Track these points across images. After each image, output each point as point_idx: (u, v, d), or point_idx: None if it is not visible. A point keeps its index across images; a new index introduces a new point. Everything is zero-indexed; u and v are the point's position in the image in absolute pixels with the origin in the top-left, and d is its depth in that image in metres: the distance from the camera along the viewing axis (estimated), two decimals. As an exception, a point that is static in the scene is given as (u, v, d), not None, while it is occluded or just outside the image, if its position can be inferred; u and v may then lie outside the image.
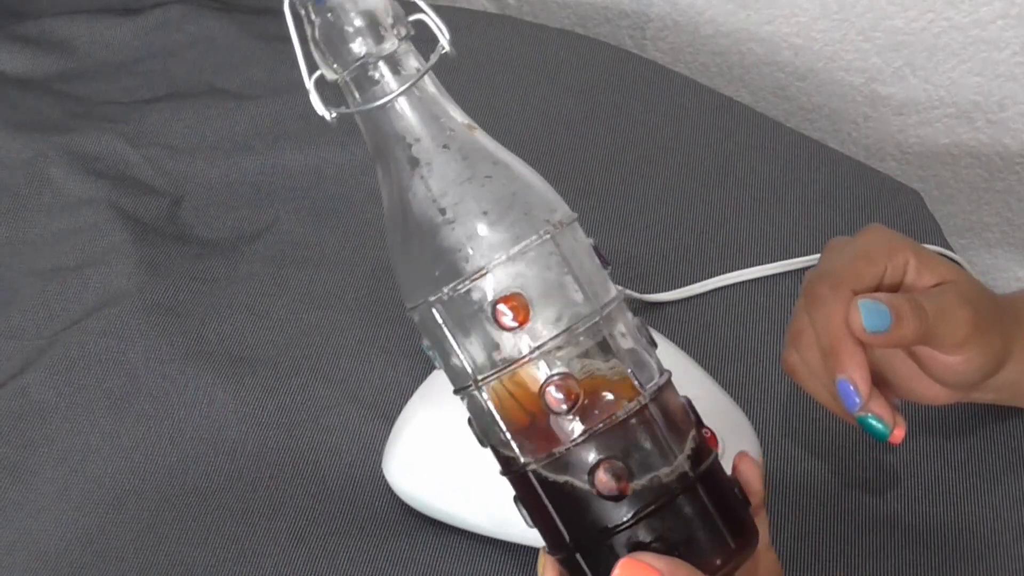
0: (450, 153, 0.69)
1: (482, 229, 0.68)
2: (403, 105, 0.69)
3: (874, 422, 0.81)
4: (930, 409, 0.96)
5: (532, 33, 1.37)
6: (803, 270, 1.08)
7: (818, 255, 0.86)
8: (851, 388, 0.80)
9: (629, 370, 0.69)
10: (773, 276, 1.11)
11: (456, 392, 0.70)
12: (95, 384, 1.07)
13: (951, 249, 1.12)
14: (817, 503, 0.95)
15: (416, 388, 0.98)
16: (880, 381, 0.84)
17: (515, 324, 0.67)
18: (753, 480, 0.72)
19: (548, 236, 0.69)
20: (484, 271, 0.68)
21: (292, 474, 1.00)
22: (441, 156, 0.69)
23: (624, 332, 0.70)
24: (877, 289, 0.83)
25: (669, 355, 0.95)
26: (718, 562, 0.69)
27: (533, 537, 0.92)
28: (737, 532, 0.70)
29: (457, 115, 0.71)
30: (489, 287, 0.68)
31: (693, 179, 1.20)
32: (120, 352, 1.08)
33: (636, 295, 1.08)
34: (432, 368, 0.98)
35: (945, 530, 0.93)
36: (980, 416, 0.98)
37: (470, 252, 0.68)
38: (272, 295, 1.13)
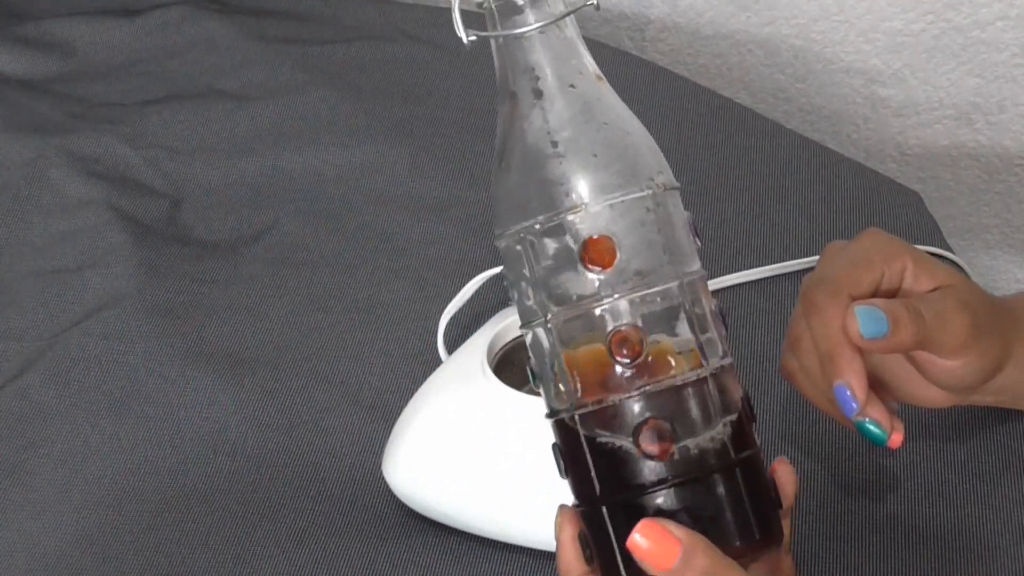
0: (574, 93, 0.71)
1: (588, 169, 0.70)
2: (540, 40, 0.72)
3: (872, 427, 0.81)
4: (929, 411, 0.96)
5: (532, 35, 1.37)
6: (803, 272, 1.08)
7: (818, 257, 0.86)
8: (848, 394, 0.80)
9: (696, 340, 0.70)
10: (773, 278, 1.11)
11: (523, 327, 0.71)
12: (95, 386, 1.07)
13: (950, 250, 1.12)
14: (816, 505, 0.95)
15: (416, 390, 0.98)
16: (879, 385, 0.84)
17: (599, 266, 0.69)
18: (788, 485, 0.72)
19: (649, 192, 0.70)
20: (580, 209, 0.69)
21: (292, 476, 1.00)
22: (565, 94, 0.71)
23: (700, 305, 0.71)
24: (874, 294, 0.83)
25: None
26: (740, 549, 0.69)
27: (533, 539, 0.92)
28: (764, 526, 0.70)
29: (588, 63, 0.72)
30: (581, 225, 0.69)
31: (692, 181, 1.20)
32: (120, 354, 1.08)
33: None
34: (432, 370, 0.98)
35: (944, 532, 0.93)
36: (979, 418, 0.98)
37: (571, 188, 0.69)
38: (272, 297, 1.13)
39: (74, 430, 1.04)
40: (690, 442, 0.69)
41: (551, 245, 0.70)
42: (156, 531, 0.97)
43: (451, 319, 1.06)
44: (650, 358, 0.69)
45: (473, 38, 0.73)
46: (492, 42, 0.73)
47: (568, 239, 0.69)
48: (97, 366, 1.08)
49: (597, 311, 0.69)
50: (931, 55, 1.43)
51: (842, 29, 1.44)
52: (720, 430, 0.69)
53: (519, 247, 0.70)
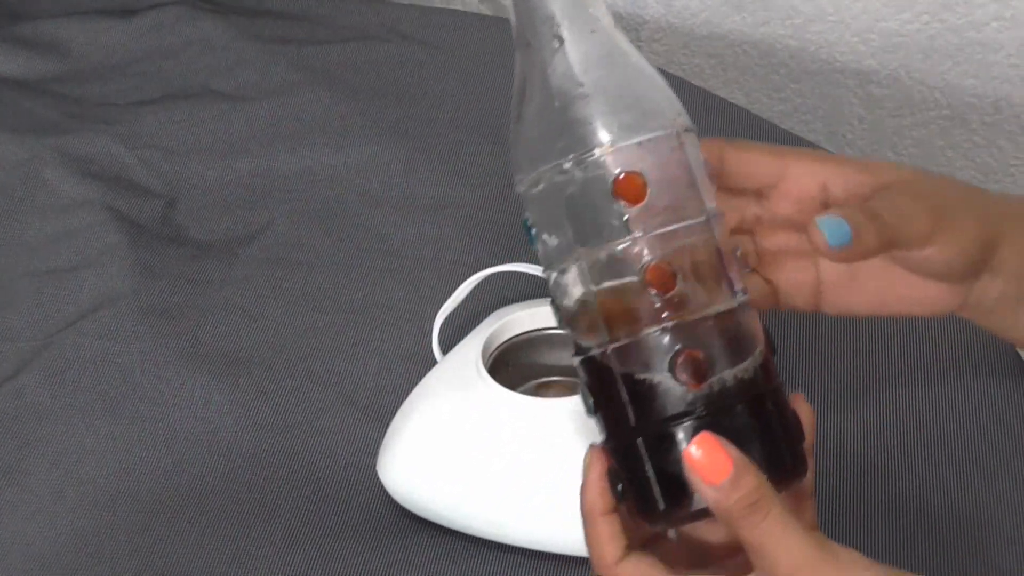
0: (596, 38, 0.72)
1: (616, 109, 0.71)
2: None
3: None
4: (928, 403, 0.96)
5: (527, 35, 1.37)
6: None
7: None
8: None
9: (724, 273, 0.71)
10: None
11: (547, 269, 0.72)
12: (90, 386, 1.07)
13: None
14: (820, 494, 0.95)
15: (411, 390, 0.98)
16: (879, 304, 0.84)
17: (630, 202, 0.70)
18: (807, 420, 0.73)
19: (673, 132, 0.71)
20: (610, 146, 0.70)
21: (287, 476, 1.00)
22: (587, 38, 0.72)
23: (723, 242, 0.72)
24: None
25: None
26: (772, 475, 0.70)
27: (528, 539, 0.92)
28: (793, 455, 0.72)
29: (605, 11, 0.73)
30: (611, 163, 0.70)
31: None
32: (115, 354, 1.08)
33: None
34: (426, 370, 0.98)
35: (944, 523, 0.94)
36: (978, 409, 0.99)
37: (600, 127, 0.70)
38: (267, 297, 1.13)
39: (69, 430, 1.04)
40: (724, 373, 0.70)
41: (580, 184, 0.71)
42: (151, 531, 0.97)
43: (446, 319, 1.06)
44: (682, 291, 0.70)
45: None
46: None
47: (598, 177, 0.70)
48: (92, 366, 1.08)
49: (628, 247, 0.70)
50: (926, 56, 1.43)
51: (837, 29, 1.44)
52: (750, 361, 0.71)
53: (545, 187, 0.71)
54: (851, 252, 0.78)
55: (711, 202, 0.73)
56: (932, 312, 0.84)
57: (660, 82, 0.73)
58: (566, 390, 0.97)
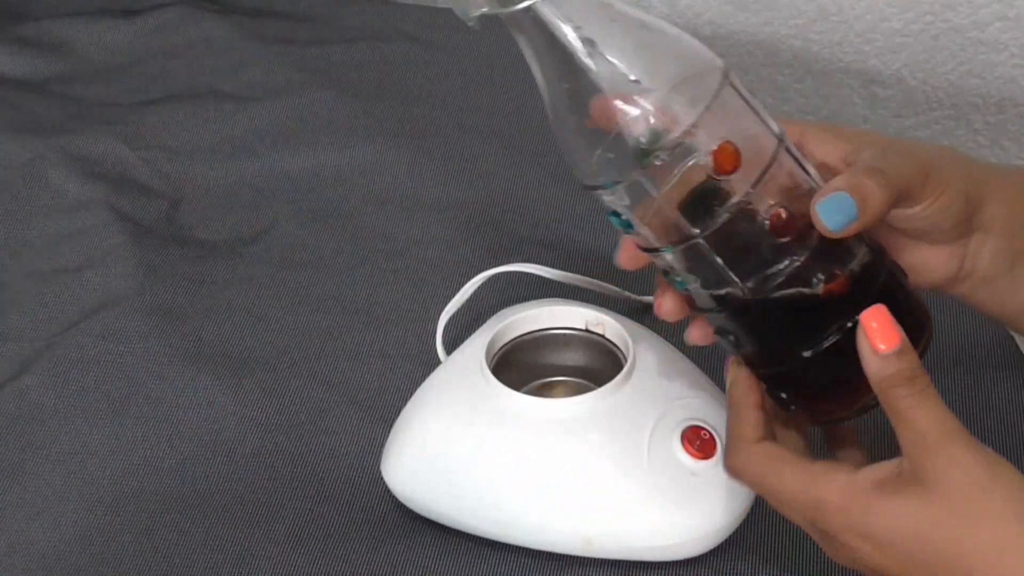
0: (619, 26, 0.72)
1: (676, 89, 0.71)
2: None
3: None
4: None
5: (531, 35, 1.37)
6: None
7: None
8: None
9: (810, 179, 0.75)
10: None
11: (675, 245, 0.74)
12: (94, 386, 1.07)
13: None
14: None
15: (415, 390, 0.98)
16: None
17: (730, 172, 0.72)
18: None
19: (727, 80, 0.74)
20: (693, 127, 0.71)
21: (291, 477, 1.00)
22: (614, 32, 0.72)
23: (798, 153, 0.76)
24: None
25: (667, 355, 0.95)
26: (923, 342, 0.77)
27: (532, 539, 0.92)
28: (927, 316, 0.78)
29: None
30: (700, 140, 0.72)
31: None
32: (119, 354, 1.08)
33: (633, 296, 1.08)
34: (431, 370, 0.98)
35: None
36: (978, 411, 0.99)
37: (675, 112, 0.71)
38: (271, 297, 1.13)
39: (73, 431, 1.04)
40: (852, 265, 0.75)
41: (675, 175, 0.72)
42: (154, 532, 0.97)
43: (450, 319, 1.06)
44: (797, 224, 0.74)
45: (527, 3, 0.72)
46: (513, 16, 0.73)
47: (691, 159, 0.72)
48: (96, 367, 1.08)
49: (744, 207, 0.73)
50: (930, 55, 1.43)
51: (841, 29, 1.44)
52: (862, 252, 0.76)
53: (643, 183, 0.73)
54: (860, 224, 0.77)
55: (771, 121, 0.75)
56: (930, 282, 0.84)
57: (683, 34, 0.73)
58: (570, 390, 0.97)
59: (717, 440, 0.90)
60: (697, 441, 0.90)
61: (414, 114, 1.29)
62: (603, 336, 0.97)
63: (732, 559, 0.92)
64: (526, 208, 1.19)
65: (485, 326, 0.99)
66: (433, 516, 0.94)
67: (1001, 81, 1.42)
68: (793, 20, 1.45)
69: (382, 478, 0.96)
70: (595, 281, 1.07)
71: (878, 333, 0.74)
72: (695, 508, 0.89)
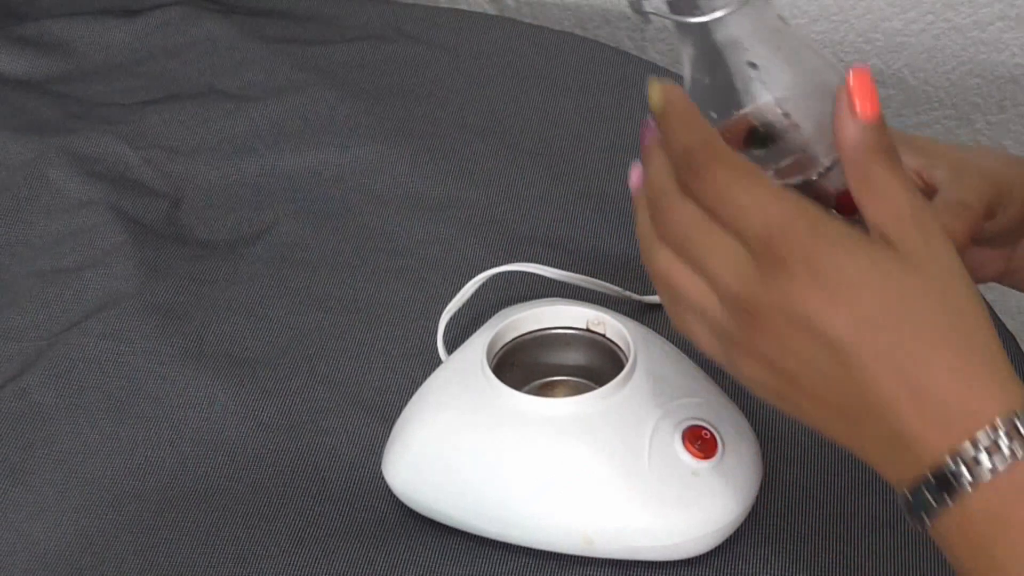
0: (783, 54, 0.73)
1: (824, 124, 0.71)
2: (743, 13, 0.72)
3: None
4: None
5: (531, 35, 1.37)
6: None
7: None
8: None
9: None
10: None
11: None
12: (95, 386, 1.07)
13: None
14: (815, 504, 0.95)
15: (416, 390, 0.98)
16: None
17: (856, 216, 0.71)
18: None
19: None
20: (827, 170, 0.73)
21: (291, 476, 1.00)
22: (776, 60, 0.72)
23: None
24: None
25: (668, 356, 0.95)
26: None
27: (533, 539, 0.92)
28: None
29: (774, 14, 0.73)
30: (831, 181, 0.73)
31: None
32: (120, 354, 1.08)
33: (635, 296, 1.08)
34: (431, 369, 0.98)
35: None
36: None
37: (818, 151, 0.73)
38: (272, 297, 1.13)
39: (74, 430, 1.04)
40: None
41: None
42: (156, 531, 0.97)
43: (451, 319, 1.06)
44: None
45: (704, 18, 0.72)
46: (688, 27, 0.73)
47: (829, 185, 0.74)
48: (97, 366, 1.08)
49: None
50: (931, 55, 1.43)
51: (842, 29, 1.44)
52: None
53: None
54: None
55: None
56: (982, 278, 0.85)
57: (831, 60, 0.74)
58: (571, 390, 0.97)
59: (718, 440, 0.90)
60: (698, 441, 0.90)
61: (415, 114, 1.29)
62: (604, 336, 0.97)
63: (732, 559, 0.92)
64: (527, 207, 1.19)
65: (486, 325, 0.99)
66: (434, 515, 0.94)
67: (1002, 81, 1.42)
68: (794, 20, 1.44)
69: (383, 477, 0.96)
70: (596, 281, 1.07)
71: (859, 93, 0.69)
72: (696, 508, 0.89)
